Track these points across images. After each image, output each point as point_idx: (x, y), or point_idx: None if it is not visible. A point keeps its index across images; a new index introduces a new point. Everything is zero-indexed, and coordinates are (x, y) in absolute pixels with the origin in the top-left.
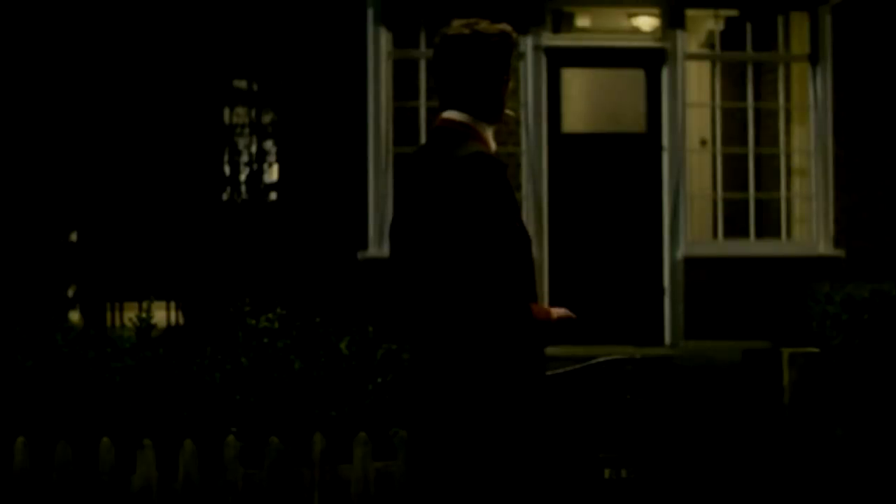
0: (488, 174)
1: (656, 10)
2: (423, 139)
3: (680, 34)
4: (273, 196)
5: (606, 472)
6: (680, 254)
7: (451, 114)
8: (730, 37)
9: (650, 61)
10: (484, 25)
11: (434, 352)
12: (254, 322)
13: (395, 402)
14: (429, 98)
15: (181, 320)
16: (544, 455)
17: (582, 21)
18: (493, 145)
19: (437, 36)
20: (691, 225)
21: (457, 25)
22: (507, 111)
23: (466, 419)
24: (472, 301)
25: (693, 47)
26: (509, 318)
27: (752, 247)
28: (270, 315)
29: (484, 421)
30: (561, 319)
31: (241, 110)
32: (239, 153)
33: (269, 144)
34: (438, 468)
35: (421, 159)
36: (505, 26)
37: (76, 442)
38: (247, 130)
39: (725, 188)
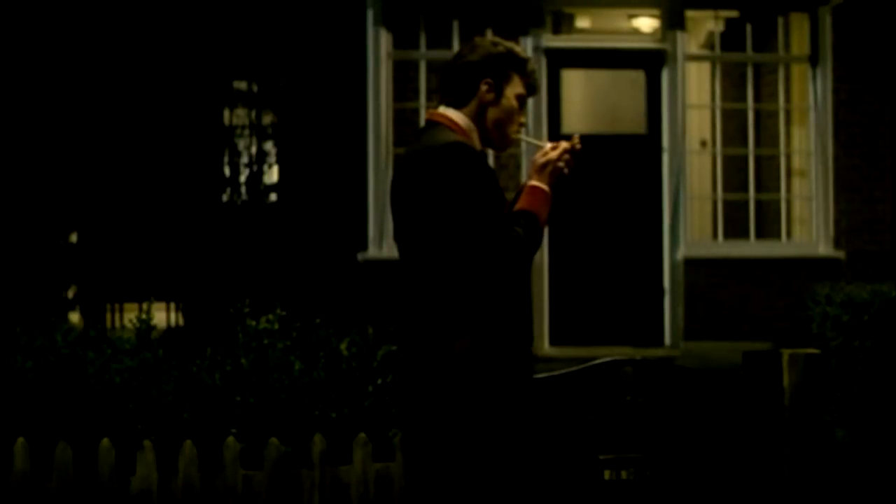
0: (460, 161)
1: (656, 12)
2: None
3: (680, 35)
4: (273, 197)
5: (607, 474)
6: (680, 255)
7: (441, 109)
8: (730, 38)
9: (650, 62)
10: (508, 45)
11: (413, 347)
12: (254, 323)
13: (395, 403)
14: (428, 99)
15: (181, 321)
16: (532, 453)
17: (582, 22)
18: (477, 143)
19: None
20: (691, 226)
21: (479, 40)
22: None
23: (451, 417)
24: (444, 289)
25: (693, 48)
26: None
27: (752, 248)
28: (270, 316)
29: (470, 417)
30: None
31: (241, 111)
32: (239, 154)
33: (269, 145)
34: (427, 465)
35: (407, 152)
36: (496, 48)
37: (76, 443)
38: (247, 131)
39: (725, 189)
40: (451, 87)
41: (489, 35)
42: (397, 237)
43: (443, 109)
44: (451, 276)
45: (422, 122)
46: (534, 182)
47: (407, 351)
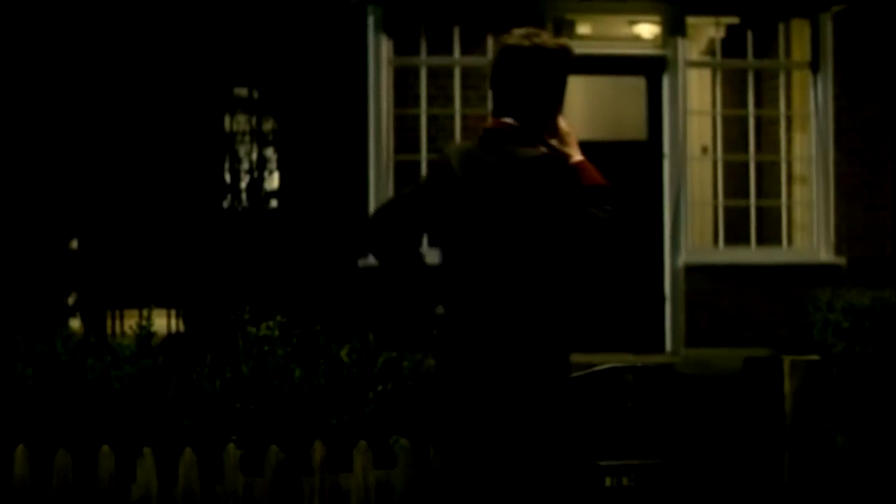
0: (562, 172)
1: (657, 18)
2: (424, 146)
3: (681, 42)
4: (274, 203)
5: (608, 480)
6: (681, 261)
7: (507, 119)
8: (731, 44)
9: (651, 69)
10: (544, 38)
11: (500, 350)
12: (254, 330)
13: (396, 409)
14: (429, 105)
15: (182, 328)
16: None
17: (583, 28)
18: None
19: (496, 44)
20: (692, 232)
21: (517, 35)
22: (562, 125)
23: (542, 417)
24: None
25: (694, 55)
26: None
27: (752, 254)
28: (271, 323)
29: (558, 418)
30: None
31: (241, 118)
32: (240, 161)
33: (269, 152)
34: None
35: (480, 158)
36: (563, 41)
37: (76, 450)
38: (247, 138)
39: (726, 195)
40: (529, 105)
41: (544, 37)
42: (481, 238)
43: (514, 122)
44: (555, 280)
45: (422, 129)
46: (576, 159)
47: (489, 352)
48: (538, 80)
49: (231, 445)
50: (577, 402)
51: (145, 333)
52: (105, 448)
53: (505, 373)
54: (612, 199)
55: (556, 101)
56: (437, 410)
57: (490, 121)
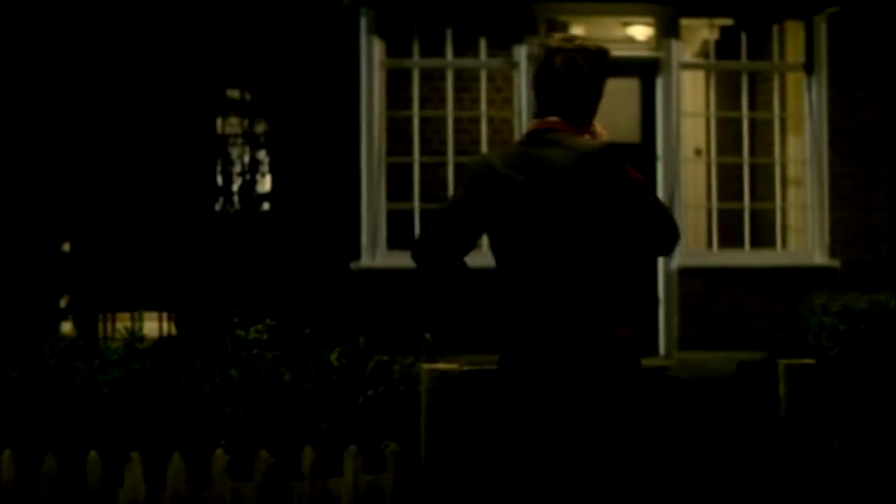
0: (622, 159)
1: (651, 20)
2: (416, 148)
3: (675, 43)
4: (266, 206)
5: None
6: (674, 264)
7: (552, 118)
8: (724, 46)
9: (645, 71)
10: (583, 41)
11: (570, 336)
12: (243, 333)
13: (386, 414)
14: (422, 107)
15: (173, 331)
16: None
17: (576, 30)
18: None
19: (538, 48)
20: (686, 235)
21: (558, 39)
22: (598, 127)
23: (614, 397)
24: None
25: (688, 57)
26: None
27: (747, 257)
28: (260, 326)
29: (629, 399)
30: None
31: (233, 120)
32: (231, 163)
33: (261, 154)
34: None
35: (532, 155)
36: (601, 45)
37: (63, 455)
38: (239, 140)
39: (720, 198)
40: (571, 104)
41: (580, 40)
42: (546, 236)
43: (560, 121)
44: (616, 268)
45: (415, 131)
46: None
47: (561, 339)
48: (582, 80)
49: (220, 450)
50: (650, 396)
51: (134, 337)
52: (93, 453)
53: (587, 361)
54: (653, 192)
55: (595, 101)
56: (506, 408)
57: (536, 122)
